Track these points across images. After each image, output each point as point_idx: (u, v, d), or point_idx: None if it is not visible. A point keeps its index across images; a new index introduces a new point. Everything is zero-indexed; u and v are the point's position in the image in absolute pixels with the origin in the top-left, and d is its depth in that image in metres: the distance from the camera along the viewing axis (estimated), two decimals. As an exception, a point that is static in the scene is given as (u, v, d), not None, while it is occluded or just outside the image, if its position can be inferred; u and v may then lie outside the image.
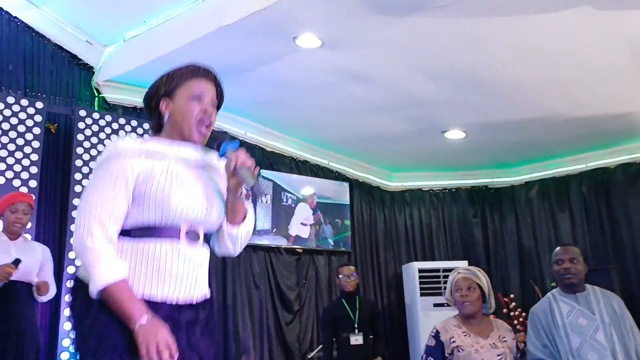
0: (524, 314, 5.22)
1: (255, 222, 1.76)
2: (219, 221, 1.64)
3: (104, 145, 4.52)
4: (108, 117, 4.63)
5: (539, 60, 4.35)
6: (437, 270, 6.12)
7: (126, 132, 4.68)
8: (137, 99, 4.99)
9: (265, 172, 5.83)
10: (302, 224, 6.03)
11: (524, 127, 5.58)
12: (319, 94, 5.05)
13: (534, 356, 2.84)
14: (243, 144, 5.74)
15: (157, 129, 1.69)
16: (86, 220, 1.45)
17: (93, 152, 4.46)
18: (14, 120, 4.13)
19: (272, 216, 5.80)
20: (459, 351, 2.77)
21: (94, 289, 1.40)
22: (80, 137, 4.45)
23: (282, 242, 5.84)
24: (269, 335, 5.53)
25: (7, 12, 4.50)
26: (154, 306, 1.44)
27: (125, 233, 1.51)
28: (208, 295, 1.61)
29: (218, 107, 1.77)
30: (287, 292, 5.80)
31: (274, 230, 5.79)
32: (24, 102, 4.22)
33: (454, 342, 2.80)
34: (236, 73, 4.68)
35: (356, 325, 4.19)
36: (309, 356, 5.49)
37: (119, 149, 1.54)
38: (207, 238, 1.65)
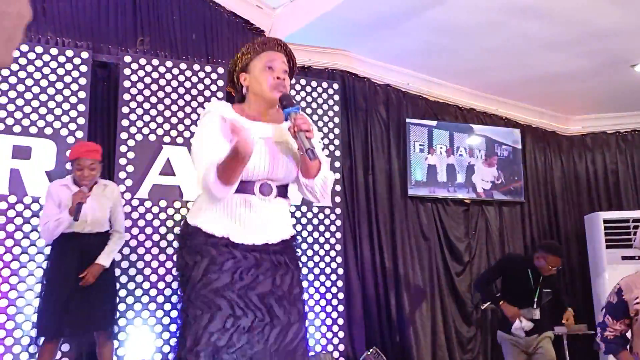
0: None
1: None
2: (288, 177, 1.85)
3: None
4: (279, 77, 4.90)
5: None
6: (626, 221, 5.56)
7: (296, 91, 4.92)
8: (306, 58, 5.21)
9: (439, 124, 5.73)
10: (482, 179, 5.86)
11: None
12: (485, 36, 4.80)
13: None
14: (406, 95, 5.72)
15: (241, 100, 1.93)
16: (198, 171, 1.75)
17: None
18: (200, 86, 4.57)
19: (446, 168, 5.73)
20: None
21: (216, 189, 1.68)
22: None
23: (460, 194, 5.74)
24: (439, 286, 5.55)
25: (187, -14, 4.97)
26: (234, 246, 1.75)
27: None
28: (287, 237, 1.87)
29: (291, 75, 1.95)
30: (457, 243, 5.73)
31: (449, 183, 5.71)
32: (208, 68, 4.64)
33: (638, 303, 2.49)
34: (398, 22, 4.64)
35: (535, 300, 4.03)
36: (482, 307, 5.40)
37: (215, 107, 1.83)
38: (284, 191, 1.88)
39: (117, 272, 3.86)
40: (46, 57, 4.10)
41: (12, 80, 3.99)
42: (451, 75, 5.67)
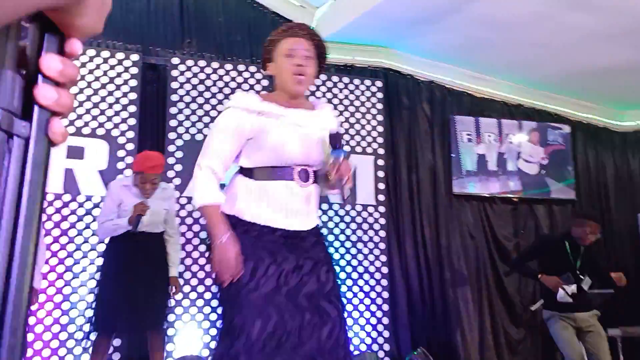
0: None
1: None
2: (320, 163, 1.90)
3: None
4: (323, 76, 4.91)
5: None
6: (684, 219, 5.31)
7: (339, 89, 4.92)
8: (348, 57, 5.21)
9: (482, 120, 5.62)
10: (526, 160, 5.70)
11: None
12: (531, 29, 4.68)
13: None
14: (450, 91, 5.64)
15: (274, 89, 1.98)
16: (200, 157, 1.82)
17: (311, 109, 4.81)
18: (245, 86, 4.64)
19: (492, 163, 5.61)
20: None
21: (195, 205, 1.80)
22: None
23: (504, 188, 5.61)
24: (487, 286, 5.44)
25: (231, -12, 5.06)
26: (272, 231, 1.78)
27: (248, 173, 1.84)
28: (318, 223, 1.95)
29: (321, 61, 1.95)
30: (505, 242, 5.60)
31: (499, 171, 5.59)
32: (252, 68, 4.70)
33: None
34: (441, 17, 4.58)
35: (578, 271, 3.81)
36: (532, 308, 5.25)
37: (237, 102, 1.84)
38: (316, 177, 1.92)
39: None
40: (98, 60, 4.25)
41: (67, 83, 4.13)
42: (497, 70, 5.56)
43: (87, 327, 3.71)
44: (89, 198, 4.01)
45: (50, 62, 0.40)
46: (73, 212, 3.99)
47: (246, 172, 1.86)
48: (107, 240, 3.42)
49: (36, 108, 0.40)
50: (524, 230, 5.69)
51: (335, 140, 1.80)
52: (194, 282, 4.11)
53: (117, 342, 3.87)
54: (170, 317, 3.96)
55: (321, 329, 1.74)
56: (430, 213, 5.32)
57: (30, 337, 3.71)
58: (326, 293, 1.79)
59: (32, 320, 3.73)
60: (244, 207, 1.81)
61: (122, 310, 3.17)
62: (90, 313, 3.60)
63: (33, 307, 3.65)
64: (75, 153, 4.08)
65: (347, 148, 4.81)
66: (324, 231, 4.59)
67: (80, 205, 4.01)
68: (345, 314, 1.90)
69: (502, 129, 5.67)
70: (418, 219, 5.25)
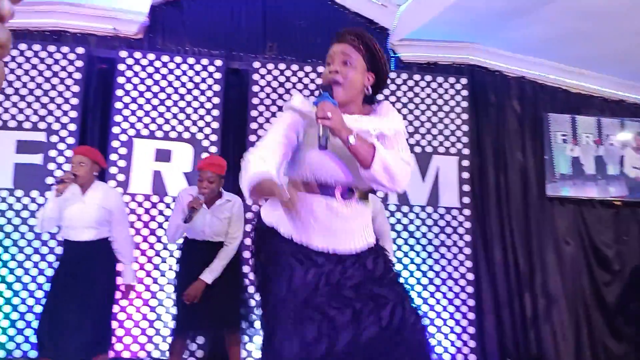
0: None
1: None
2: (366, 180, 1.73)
3: (401, 102, 4.71)
4: (404, 75, 4.79)
5: None
6: None
7: (421, 87, 4.77)
8: (430, 54, 5.05)
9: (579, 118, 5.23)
10: (634, 167, 5.24)
11: None
12: (633, 17, 4.27)
13: None
14: (543, 87, 5.30)
15: None
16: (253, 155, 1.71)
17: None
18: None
19: (590, 167, 5.20)
20: None
21: (246, 187, 1.61)
22: (380, 97, 4.71)
23: (603, 193, 5.18)
24: (583, 296, 5.05)
25: (311, -10, 5.07)
26: (312, 254, 1.68)
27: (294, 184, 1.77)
28: (371, 244, 1.78)
29: (371, 59, 1.81)
30: (604, 249, 5.17)
31: (598, 176, 5.18)
32: (332, 69, 4.67)
33: None
34: (532, 9, 4.30)
35: None
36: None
37: (291, 105, 1.80)
38: (365, 195, 1.80)
39: (246, 269, 4.01)
40: (184, 66, 4.40)
41: (155, 89, 4.32)
42: (595, 64, 5.14)
43: (172, 324, 3.85)
44: (175, 199, 4.15)
45: None
46: (160, 213, 4.16)
47: (292, 184, 1.80)
48: (180, 242, 3.53)
49: None
50: (627, 237, 5.23)
51: (325, 87, 1.71)
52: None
53: (200, 339, 3.99)
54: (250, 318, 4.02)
55: (379, 311, 1.63)
56: (521, 217, 5.02)
57: (120, 332, 3.91)
58: (377, 278, 1.69)
59: (122, 315, 3.93)
60: (281, 220, 1.75)
61: (196, 312, 3.25)
62: (174, 311, 3.72)
63: (124, 303, 3.84)
64: (163, 156, 4.25)
65: (412, 141, 4.65)
66: (405, 234, 4.46)
67: (167, 206, 4.17)
68: (411, 299, 1.72)
69: (602, 129, 5.24)
70: (507, 222, 4.97)
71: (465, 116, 4.78)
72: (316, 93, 4.53)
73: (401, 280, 1.82)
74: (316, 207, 1.72)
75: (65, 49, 4.28)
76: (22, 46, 4.22)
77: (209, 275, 3.30)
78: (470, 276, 4.50)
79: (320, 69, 4.62)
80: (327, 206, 1.72)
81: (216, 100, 4.40)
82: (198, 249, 3.38)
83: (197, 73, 4.41)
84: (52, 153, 4.10)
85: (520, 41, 4.89)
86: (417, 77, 4.81)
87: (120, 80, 4.29)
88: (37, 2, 4.37)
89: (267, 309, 1.69)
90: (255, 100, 4.46)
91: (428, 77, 4.81)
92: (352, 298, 1.64)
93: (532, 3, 4.20)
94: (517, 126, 5.19)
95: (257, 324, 4.03)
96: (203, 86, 4.40)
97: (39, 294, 3.85)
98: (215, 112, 4.38)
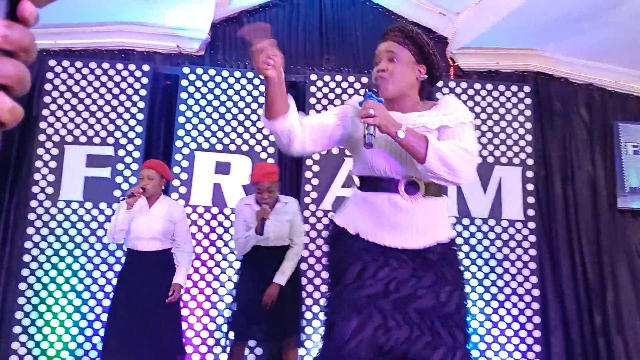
0: None
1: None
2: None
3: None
4: (463, 84, 4.68)
5: None
6: None
7: (481, 96, 4.65)
8: (491, 62, 4.92)
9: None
10: None
11: None
12: None
13: None
14: (612, 94, 5.04)
15: None
16: None
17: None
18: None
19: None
20: None
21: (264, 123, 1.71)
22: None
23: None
24: (662, 316, 4.71)
25: (369, 1, 5.06)
26: (385, 251, 1.67)
27: (359, 182, 1.80)
28: (441, 240, 1.73)
29: (422, 55, 1.82)
30: (685, 265, 4.82)
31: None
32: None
33: None
34: (600, 12, 4.10)
35: None
36: None
37: (350, 101, 1.88)
38: (435, 189, 1.76)
39: (304, 281, 4.02)
40: (243, 81, 4.49)
41: (215, 103, 4.43)
42: (672, 67, 4.84)
43: (231, 335, 3.91)
44: (234, 211, 4.23)
45: None
46: (220, 224, 4.24)
47: (358, 181, 1.84)
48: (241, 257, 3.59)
49: None
50: None
51: (370, 87, 1.70)
52: (324, 288, 4.12)
53: (256, 349, 4.02)
54: (308, 330, 4.02)
55: (433, 351, 1.59)
56: (590, 230, 4.77)
57: (189, 333, 3.99)
58: (444, 315, 1.64)
59: (183, 325, 4.02)
60: (349, 220, 1.78)
61: (257, 320, 3.29)
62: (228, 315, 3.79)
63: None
64: (223, 168, 4.34)
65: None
66: (465, 248, 4.33)
67: (227, 217, 4.25)
68: (468, 351, 1.66)
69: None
70: (575, 236, 4.73)
71: (528, 125, 4.61)
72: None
73: (470, 322, 1.74)
74: (380, 203, 1.72)
75: (132, 67, 4.47)
76: (92, 65, 4.43)
77: (282, 278, 3.36)
78: (536, 292, 4.30)
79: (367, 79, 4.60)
80: (390, 201, 1.71)
81: (274, 113, 4.45)
82: (262, 255, 3.42)
83: (256, 87, 4.48)
84: (120, 166, 4.27)
85: (587, 46, 4.68)
86: (477, 85, 4.69)
87: (183, 95, 4.42)
88: (106, 23, 4.59)
89: (333, 295, 1.71)
90: (312, 113, 4.49)
91: (489, 86, 4.68)
92: (414, 322, 1.62)
93: (599, 7, 4.01)
94: (586, 135, 4.95)
95: (308, 330, 4.03)
96: (262, 99, 4.47)
97: (106, 302, 4.00)
98: (273, 125, 4.43)
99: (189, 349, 4.00)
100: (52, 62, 4.39)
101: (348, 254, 1.71)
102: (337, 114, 1.80)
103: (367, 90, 1.68)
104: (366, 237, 1.73)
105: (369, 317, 1.59)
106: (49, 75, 4.37)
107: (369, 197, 1.75)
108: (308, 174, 4.33)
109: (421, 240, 1.72)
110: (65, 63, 4.41)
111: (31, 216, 4.13)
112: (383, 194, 1.72)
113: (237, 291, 3.54)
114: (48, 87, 4.35)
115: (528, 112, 4.63)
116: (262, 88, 4.47)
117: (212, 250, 4.20)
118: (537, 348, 4.20)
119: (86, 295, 4.06)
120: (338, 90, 4.54)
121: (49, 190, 4.18)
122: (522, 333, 4.22)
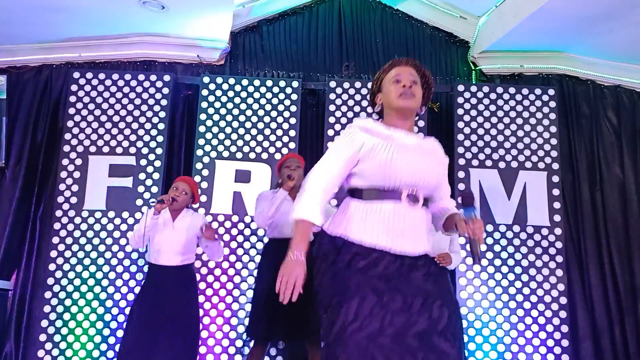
0: None
1: None
2: (431, 188, 1.90)
3: (483, 116, 4.53)
4: (485, 88, 4.60)
5: None
6: None
7: (504, 100, 4.56)
8: (513, 65, 4.83)
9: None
10: None
11: None
12: None
13: None
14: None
15: (381, 116, 2.03)
16: (314, 171, 1.85)
17: (473, 124, 4.52)
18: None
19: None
20: None
21: (292, 215, 1.80)
22: (460, 111, 4.56)
23: None
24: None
25: (389, 7, 5.02)
26: (380, 257, 1.75)
27: (358, 194, 1.85)
28: (428, 250, 1.87)
29: (427, 91, 1.99)
30: None
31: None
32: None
33: None
34: (628, 11, 3.99)
35: None
36: None
37: (355, 123, 1.93)
38: (426, 202, 1.93)
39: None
40: (262, 89, 4.51)
41: (235, 112, 4.46)
42: None
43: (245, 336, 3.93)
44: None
45: None
46: (240, 232, 4.25)
47: (356, 193, 1.87)
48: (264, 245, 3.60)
49: None
50: None
51: (467, 198, 1.86)
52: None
53: (280, 344, 4.00)
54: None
55: None
56: (620, 236, 4.62)
57: (203, 334, 4.00)
58: (441, 330, 1.68)
59: (206, 320, 4.03)
60: (350, 226, 1.81)
61: (278, 320, 3.22)
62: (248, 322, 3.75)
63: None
64: (243, 177, 4.35)
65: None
66: (489, 255, 4.24)
67: (247, 225, 4.25)
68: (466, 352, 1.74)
69: None
70: (604, 242, 4.58)
71: (553, 129, 4.50)
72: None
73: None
74: (384, 210, 1.81)
75: (153, 77, 4.53)
76: (115, 76, 4.51)
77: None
78: (564, 300, 4.18)
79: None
80: (394, 208, 1.81)
81: (293, 120, 4.46)
82: (283, 249, 3.36)
83: (275, 95, 4.49)
84: (142, 176, 4.32)
85: (614, 47, 4.56)
86: (500, 89, 4.60)
87: (204, 104, 4.46)
88: (128, 35, 4.66)
89: (335, 334, 1.70)
90: (331, 119, 4.48)
91: (512, 89, 4.59)
92: (415, 347, 1.66)
93: (624, 5, 3.89)
94: (614, 139, 4.81)
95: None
96: (280, 107, 4.48)
97: (128, 310, 4.04)
98: (292, 133, 4.43)
99: (210, 341, 4.01)
100: (76, 74, 4.49)
101: (345, 286, 1.72)
102: (347, 159, 1.85)
103: (468, 204, 1.85)
104: (368, 242, 1.77)
105: (372, 357, 1.62)
106: (74, 87, 4.46)
107: (374, 205, 1.82)
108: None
109: (419, 247, 1.84)
110: (89, 75, 4.49)
111: (56, 226, 4.21)
112: (388, 202, 1.82)
113: (255, 290, 3.48)
114: (72, 99, 4.44)
115: (553, 116, 4.52)
116: (281, 96, 4.49)
117: (232, 258, 4.20)
118: (565, 358, 4.07)
119: (109, 303, 4.10)
120: (357, 97, 4.52)
121: (73, 200, 4.26)
122: (550, 342, 4.10)
